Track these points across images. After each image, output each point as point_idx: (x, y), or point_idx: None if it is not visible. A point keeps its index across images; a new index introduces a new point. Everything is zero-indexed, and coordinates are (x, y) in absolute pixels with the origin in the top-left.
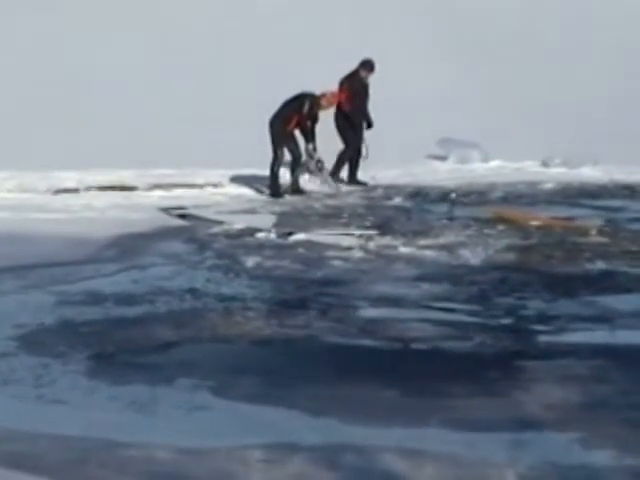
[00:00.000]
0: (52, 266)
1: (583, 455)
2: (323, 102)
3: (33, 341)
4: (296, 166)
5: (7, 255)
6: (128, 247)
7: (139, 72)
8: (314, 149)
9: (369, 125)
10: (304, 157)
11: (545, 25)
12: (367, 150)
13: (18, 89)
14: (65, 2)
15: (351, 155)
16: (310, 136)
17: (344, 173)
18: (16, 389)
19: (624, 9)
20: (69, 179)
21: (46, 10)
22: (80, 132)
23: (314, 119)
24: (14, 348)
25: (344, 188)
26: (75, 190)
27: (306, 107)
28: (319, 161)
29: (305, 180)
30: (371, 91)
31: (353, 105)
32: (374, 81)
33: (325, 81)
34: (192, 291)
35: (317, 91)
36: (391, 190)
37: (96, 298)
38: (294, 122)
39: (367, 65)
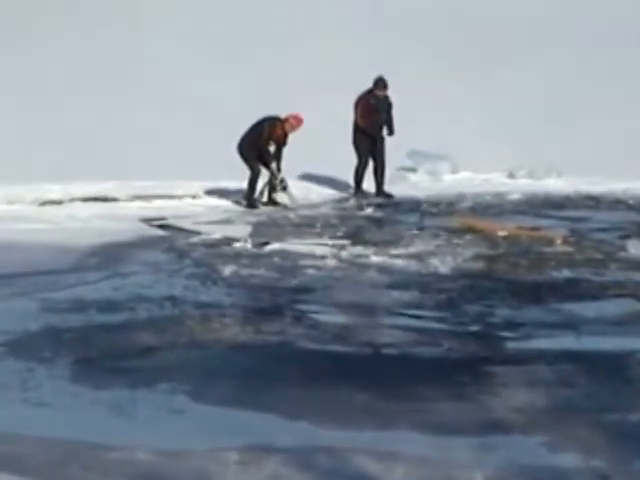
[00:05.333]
0: (38, 274)
1: (549, 457)
2: (287, 126)
3: (19, 346)
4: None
5: None
6: (110, 256)
7: (120, 86)
8: (278, 169)
9: (390, 133)
10: (269, 177)
11: (502, 31)
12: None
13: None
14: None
15: (364, 168)
16: (274, 157)
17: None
18: (2, 392)
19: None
20: (54, 191)
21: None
22: (64, 146)
23: (283, 142)
24: (0, 353)
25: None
26: (60, 201)
27: (265, 132)
28: (282, 180)
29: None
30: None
31: (369, 121)
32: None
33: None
34: (171, 298)
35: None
36: (363, 201)
37: (80, 305)
38: (258, 146)
39: (380, 84)
